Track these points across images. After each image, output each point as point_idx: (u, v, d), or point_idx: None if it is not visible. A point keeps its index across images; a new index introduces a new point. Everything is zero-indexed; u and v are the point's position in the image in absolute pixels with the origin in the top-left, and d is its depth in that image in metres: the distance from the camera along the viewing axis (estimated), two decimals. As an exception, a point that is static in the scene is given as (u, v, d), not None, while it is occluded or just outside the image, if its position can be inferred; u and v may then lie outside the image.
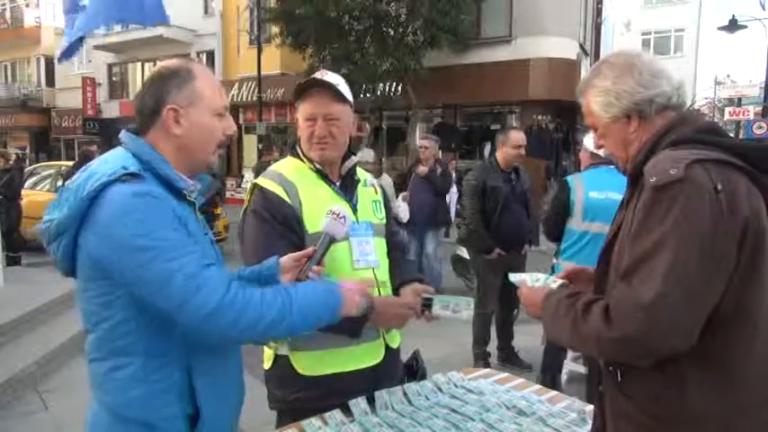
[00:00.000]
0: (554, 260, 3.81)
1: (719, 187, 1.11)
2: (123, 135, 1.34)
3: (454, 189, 7.94)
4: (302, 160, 1.84)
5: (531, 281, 1.56)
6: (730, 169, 1.15)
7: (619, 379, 1.26)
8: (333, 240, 1.57)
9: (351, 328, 1.66)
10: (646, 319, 1.08)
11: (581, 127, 17.75)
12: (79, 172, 1.29)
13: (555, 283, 1.52)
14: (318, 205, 1.73)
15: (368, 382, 1.78)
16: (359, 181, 1.91)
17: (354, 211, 1.83)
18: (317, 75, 1.81)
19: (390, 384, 1.83)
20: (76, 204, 1.21)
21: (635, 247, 1.16)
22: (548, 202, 4.32)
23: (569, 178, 3.74)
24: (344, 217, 1.57)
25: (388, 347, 1.84)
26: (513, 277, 1.64)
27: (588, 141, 3.77)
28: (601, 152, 3.71)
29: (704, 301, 1.11)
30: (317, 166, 1.82)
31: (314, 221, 1.71)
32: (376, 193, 1.99)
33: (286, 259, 1.55)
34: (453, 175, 7.11)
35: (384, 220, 1.96)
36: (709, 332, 1.12)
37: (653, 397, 1.20)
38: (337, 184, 1.85)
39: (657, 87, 1.30)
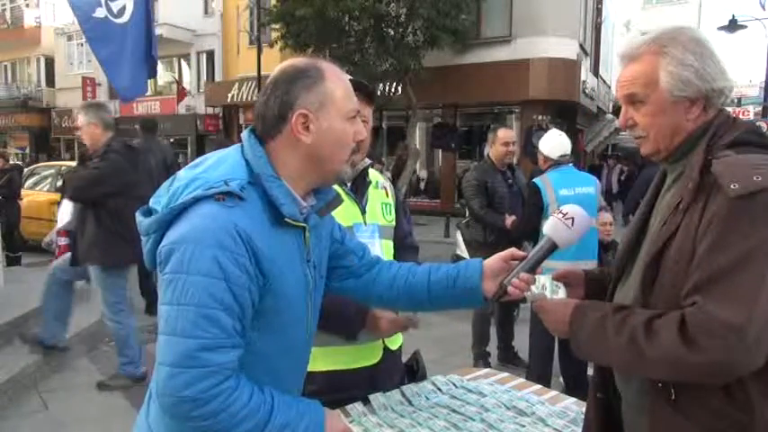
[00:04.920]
0: None
1: None
2: (246, 136, 1.19)
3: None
4: None
5: (538, 286, 1.46)
6: None
7: (672, 397, 1.18)
8: (554, 247, 1.35)
9: (348, 332, 1.67)
10: (737, 342, 1.02)
11: (581, 127, 17.78)
12: (202, 159, 1.20)
13: (560, 288, 1.46)
14: None
15: (365, 381, 1.78)
16: (370, 183, 1.90)
17: (363, 212, 1.83)
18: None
19: (389, 384, 1.83)
20: (167, 211, 1.10)
21: (714, 258, 1.06)
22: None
23: (537, 181, 3.79)
24: (572, 218, 1.32)
25: (386, 348, 1.85)
26: None
27: (543, 144, 3.86)
28: (555, 156, 3.78)
29: None
30: None
31: None
32: (387, 195, 1.97)
33: (494, 260, 1.39)
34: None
35: (393, 223, 1.95)
36: None
37: (718, 414, 1.14)
38: (348, 185, 1.83)
39: (729, 81, 1.22)
